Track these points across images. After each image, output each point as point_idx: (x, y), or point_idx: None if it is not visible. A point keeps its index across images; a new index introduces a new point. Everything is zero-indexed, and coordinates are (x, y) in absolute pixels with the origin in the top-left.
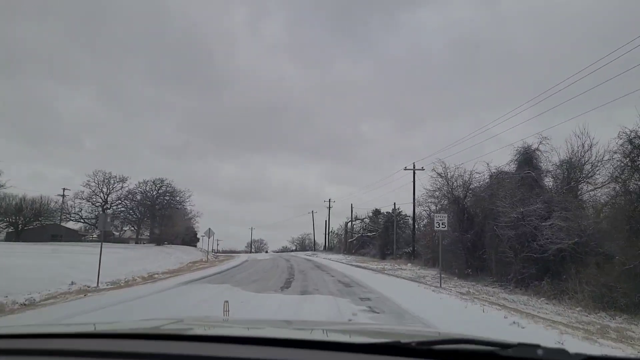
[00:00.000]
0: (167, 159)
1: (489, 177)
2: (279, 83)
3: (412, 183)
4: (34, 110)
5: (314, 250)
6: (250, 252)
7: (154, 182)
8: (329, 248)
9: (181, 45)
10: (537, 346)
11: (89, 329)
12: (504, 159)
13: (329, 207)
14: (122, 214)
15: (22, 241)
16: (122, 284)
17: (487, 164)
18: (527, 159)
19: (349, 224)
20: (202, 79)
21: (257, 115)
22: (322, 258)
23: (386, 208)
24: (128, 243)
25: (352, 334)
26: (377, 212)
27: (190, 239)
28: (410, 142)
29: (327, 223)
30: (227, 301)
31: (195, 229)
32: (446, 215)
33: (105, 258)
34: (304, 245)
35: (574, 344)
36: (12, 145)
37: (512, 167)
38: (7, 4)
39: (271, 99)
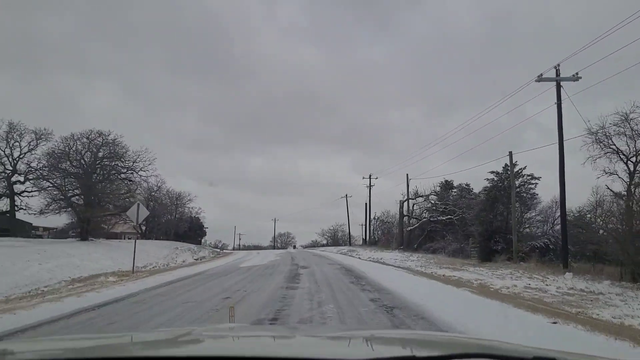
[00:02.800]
0: (192, 153)
1: None
2: (302, 70)
3: (557, 106)
4: (57, 105)
5: (350, 245)
6: (274, 247)
7: (88, 137)
8: (371, 242)
9: (199, 34)
10: (553, 359)
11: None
12: None
13: (370, 185)
14: (46, 190)
15: None
16: None
17: None
18: None
19: (405, 203)
20: (223, 70)
21: (281, 105)
22: (369, 261)
23: (460, 179)
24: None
25: (361, 345)
26: (447, 186)
27: (186, 231)
28: (442, 129)
29: (368, 207)
30: (232, 307)
31: (201, 220)
32: None
33: None
34: (336, 238)
35: None
36: None
37: None
38: None
39: (295, 88)
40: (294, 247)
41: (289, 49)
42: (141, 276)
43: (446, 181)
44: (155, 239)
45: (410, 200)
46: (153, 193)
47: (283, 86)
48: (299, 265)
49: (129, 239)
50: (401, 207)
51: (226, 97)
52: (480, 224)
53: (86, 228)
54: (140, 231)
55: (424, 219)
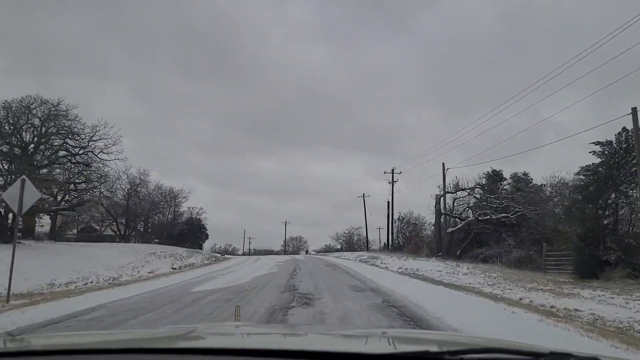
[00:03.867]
0: (204, 156)
1: None
2: (314, 72)
3: None
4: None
5: (368, 250)
6: (285, 252)
7: (28, 106)
8: (394, 246)
9: (209, 37)
10: (570, 355)
11: (100, 343)
12: None
13: (393, 180)
14: None
15: None
16: None
17: None
18: None
19: (442, 199)
20: (235, 72)
21: (293, 108)
22: (404, 274)
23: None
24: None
25: (375, 342)
26: (496, 177)
27: (184, 233)
28: (458, 131)
29: (390, 206)
30: (238, 306)
31: (202, 221)
32: None
33: None
34: (352, 242)
35: None
36: None
37: None
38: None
39: (307, 90)
40: (307, 252)
41: (301, 49)
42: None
43: (494, 171)
44: (142, 242)
45: (449, 194)
46: (135, 186)
47: (295, 88)
48: (297, 290)
49: (118, 241)
50: (437, 203)
51: (238, 99)
52: (578, 222)
53: (7, 225)
54: (119, 232)
55: (470, 218)
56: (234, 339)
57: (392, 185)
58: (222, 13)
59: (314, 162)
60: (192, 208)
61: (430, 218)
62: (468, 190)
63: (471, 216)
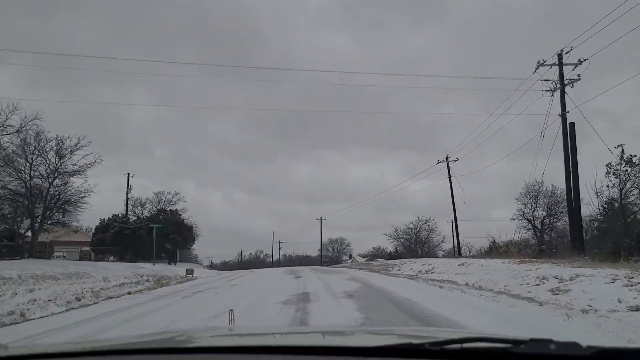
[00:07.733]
0: (235, 161)
1: None
2: (341, 65)
3: None
4: (97, 117)
5: (466, 255)
6: (322, 261)
7: None
8: (603, 243)
9: (232, 36)
10: (550, 341)
11: (95, 345)
12: None
13: (563, 85)
14: None
15: None
16: None
17: None
18: None
19: None
20: (261, 71)
21: (323, 105)
22: None
23: None
24: None
25: (362, 336)
26: None
27: (136, 234)
28: (501, 123)
29: (570, 140)
30: (231, 310)
31: (181, 214)
32: None
33: None
34: (411, 242)
35: None
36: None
37: None
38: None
39: (337, 87)
40: (350, 256)
41: (325, 42)
42: None
43: None
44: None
45: None
46: None
47: (324, 85)
48: None
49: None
50: None
51: (266, 99)
52: None
53: None
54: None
55: None
56: (270, 340)
57: (563, 95)
58: (245, 12)
59: (350, 163)
60: (161, 193)
61: None
62: None
63: None
